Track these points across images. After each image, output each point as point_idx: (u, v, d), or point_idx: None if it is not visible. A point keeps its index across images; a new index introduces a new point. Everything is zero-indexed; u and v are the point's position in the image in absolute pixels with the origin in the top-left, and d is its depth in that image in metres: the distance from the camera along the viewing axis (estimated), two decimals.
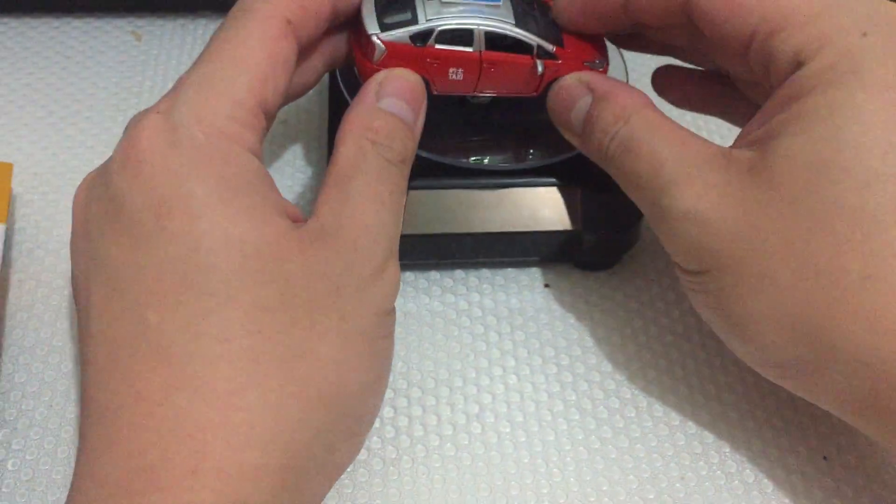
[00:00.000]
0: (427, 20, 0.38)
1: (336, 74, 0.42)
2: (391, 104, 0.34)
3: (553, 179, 0.41)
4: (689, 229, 0.32)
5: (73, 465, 0.35)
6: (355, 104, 0.33)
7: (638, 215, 0.41)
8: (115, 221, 0.29)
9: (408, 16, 0.39)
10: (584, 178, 0.41)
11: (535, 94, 0.40)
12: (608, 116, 0.35)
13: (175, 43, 0.53)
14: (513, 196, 0.41)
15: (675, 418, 0.38)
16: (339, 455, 0.31)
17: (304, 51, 0.35)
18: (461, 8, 0.38)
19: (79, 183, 0.33)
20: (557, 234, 0.41)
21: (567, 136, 0.38)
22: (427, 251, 0.42)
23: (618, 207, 0.41)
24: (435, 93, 0.40)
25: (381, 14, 0.39)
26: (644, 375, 0.40)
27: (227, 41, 0.32)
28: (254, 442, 0.27)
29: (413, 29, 0.38)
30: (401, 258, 0.41)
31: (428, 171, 0.40)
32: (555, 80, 0.40)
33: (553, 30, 0.40)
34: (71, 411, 0.37)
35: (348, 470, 0.36)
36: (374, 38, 0.38)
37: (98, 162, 0.32)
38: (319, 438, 0.28)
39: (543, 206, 0.41)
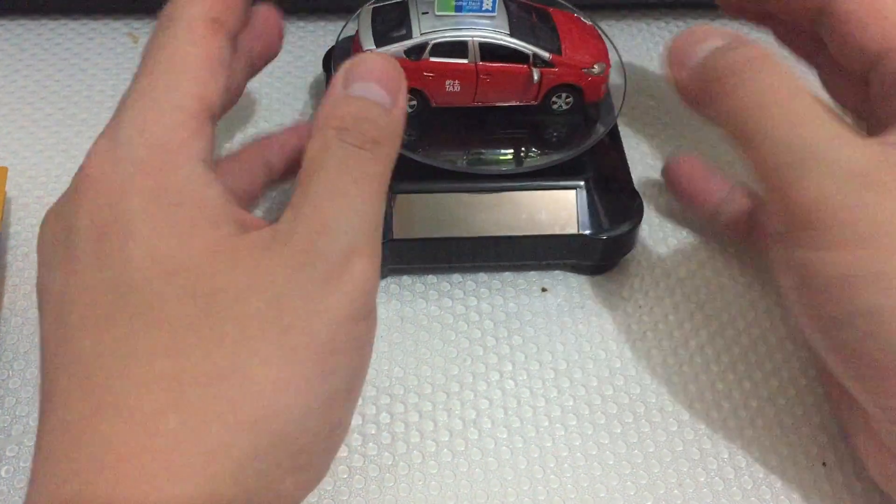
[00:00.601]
0: (421, 34, 0.39)
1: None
2: (359, 88, 0.31)
3: (550, 182, 0.41)
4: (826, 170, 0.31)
5: None
6: (324, 97, 0.32)
7: (636, 218, 0.41)
8: (64, 248, 0.28)
9: (402, 31, 0.39)
10: (581, 180, 0.41)
11: (534, 101, 0.41)
12: (746, 53, 0.34)
13: None
14: (510, 200, 0.41)
15: (673, 424, 0.38)
16: (285, 488, 0.27)
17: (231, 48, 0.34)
18: (455, 20, 0.39)
19: None
20: (555, 237, 0.41)
21: (673, 66, 0.37)
22: (423, 256, 0.42)
23: (616, 211, 0.41)
24: (434, 105, 0.40)
25: (377, 30, 0.40)
26: (641, 381, 0.39)
27: (159, 50, 0.31)
28: (173, 470, 0.25)
29: (408, 43, 0.39)
30: (397, 262, 0.41)
31: (423, 174, 0.40)
32: (554, 87, 0.40)
33: (551, 37, 0.40)
34: None
35: (343, 476, 0.36)
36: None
37: None
38: (251, 467, 0.25)
39: (541, 210, 0.41)
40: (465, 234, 0.41)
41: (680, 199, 0.44)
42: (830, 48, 0.37)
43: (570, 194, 0.41)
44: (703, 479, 0.36)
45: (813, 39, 0.38)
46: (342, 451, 0.36)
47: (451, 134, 0.42)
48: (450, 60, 0.39)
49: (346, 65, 0.31)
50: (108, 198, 0.28)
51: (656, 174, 0.46)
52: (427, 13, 0.39)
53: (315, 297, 0.27)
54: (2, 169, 0.42)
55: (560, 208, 0.41)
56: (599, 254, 0.42)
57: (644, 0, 0.56)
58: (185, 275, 0.27)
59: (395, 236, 0.40)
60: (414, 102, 0.40)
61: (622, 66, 0.43)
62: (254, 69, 0.38)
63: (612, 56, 0.42)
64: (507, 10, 0.40)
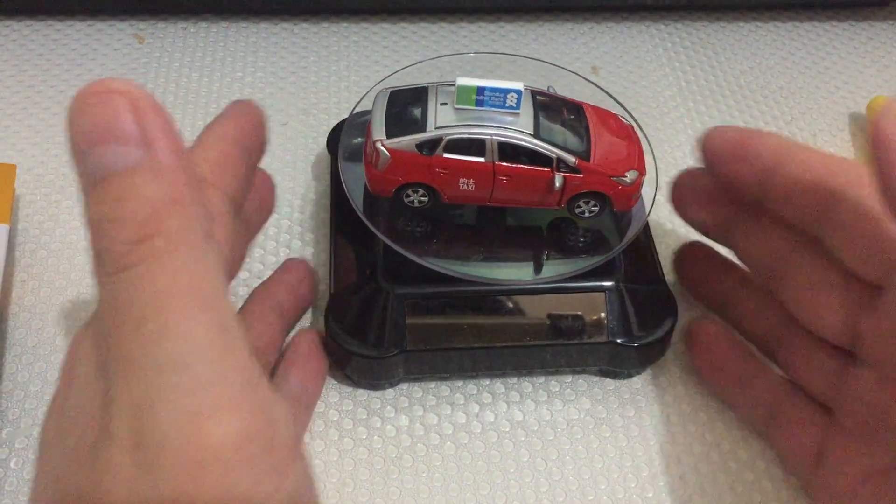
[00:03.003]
0: (436, 128, 0.35)
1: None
2: (94, 160, 0.24)
3: (577, 284, 0.37)
4: None
5: None
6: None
7: (671, 322, 0.38)
8: None
9: (417, 122, 0.36)
10: (611, 281, 0.38)
11: (557, 206, 0.37)
12: None
13: (177, 45, 0.54)
14: (531, 303, 0.38)
15: (675, 418, 0.38)
16: None
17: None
18: (475, 115, 0.35)
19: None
20: (581, 346, 0.38)
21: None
22: (436, 366, 0.39)
23: (648, 314, 0.38)
24: (446, 202, 0.37)
25: (390, 118, 0.36)
26: (641, 372, 0.40)
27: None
28: None
29: (420, 137, 0.35)
30: (410, 373, 0.38)
31: (435, 274, 0.36)
32: (579, 194, 0.36)
33: (581, 138, 0.36)
34: None
35: (349, 469, 0.36)
36: (379, 145, 0.35)
37: None
38: None
39: (566, 315, 0.38)
40: (481, 344, 0.37)
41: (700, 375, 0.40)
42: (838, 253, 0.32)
43: (599, 297, 0.37)
44: (704, 472, 0.37)
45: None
46: (348, 444, 0.37)
47: (466, 232, 0.39)
48: (465, 158, 0.35)
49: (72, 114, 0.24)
50: None
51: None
52: (446, 104, 0.36)
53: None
54: (10, 166, 0.43)
55: (588, 313, 0.37)
56: (631, 361, 0.39)
57: (643, 3, 0.57)
58: None
59: (408, 347, 0.37)
60: (426, 198, 0.37)
61: (653, 154, 0.39)
62: (253, 233, 0.35)
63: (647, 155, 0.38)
64: (533, 106, 0.36)
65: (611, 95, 0.43)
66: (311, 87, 0.52)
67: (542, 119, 0.36)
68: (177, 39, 0.54)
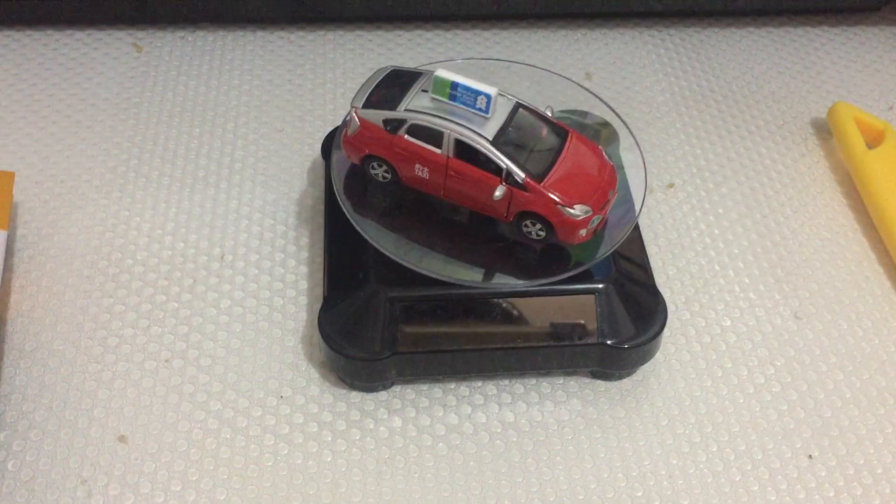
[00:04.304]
0: (405, 110, 0.37)
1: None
2: None
3: (566, 287, 0.37)
4: None
5: (72, 466, 0.36)
6: None
7: (661, 322, 0.38)
8: None
9: (393, 100, 0.37)
10: (600, 283, 0.38)
11: (504, 219, 0.37)
12: None
13: (175, 55, 0.54)
14: (522, 306, 0.38)
15: (664, 418, 0.39)
16: None
17: None
18: (444, 108, 0.36)
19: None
20: (572, 348, 0.38)
21: None
22: (428, 369, 0.39)
23: (638, 315, 0.38)
24: (403, 183, 0.38)
25: (375, 90, 0.38)
26: (631, 373, 0.40)
27: None
28: None
29: (387, 114, 0.37)
30: (402, 376, 0.38)
31: (427, 278, 0.37)
32: (523, 212, 0.36)
33: (545, 159, 0.36)
34: (70, 414, 0.38)
35: (342, 470, 0.37)
36: (353, 111, 0.37)
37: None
38: None
39: (557, 318, 0.38)
40: (473, 346, 0.38)
41: None
42: None
43: (589, 299, 0.38)
44: (692, 472, 0.37)
45: None
46: (341, 446, 0.37)
47: (459, 237, 0.39)
48: (423, 145, 0.36)
49: None
50: None
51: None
52: (427, 92, 0.37)
53: None
54: (9, 174, 0.43)
55: (578, 315, 0.38)
56: (621, 363, 0.39)
57: (636, 10, 0.58)
58: None
59: (400, 349, 0.37)
60: (388, 175, 0.38)
61: (642, 157, 0.40)
62: None
63: (632, 158, 0.39)
64: (508, 115, 0.36)
65: (602, 101, 0.43)
66: (306, 94, 0.53)
67: (509, 130, 0.36)
68: (174, 48, 0.55)
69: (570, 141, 0.37)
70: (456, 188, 0.37)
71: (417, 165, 0.37)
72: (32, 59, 0.53)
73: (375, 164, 0.38)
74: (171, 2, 0.54)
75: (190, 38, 0.56)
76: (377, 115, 0.37)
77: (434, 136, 0.36)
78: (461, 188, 0.37)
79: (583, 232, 0.37)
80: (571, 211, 0.36)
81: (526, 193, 0.36)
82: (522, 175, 0.36)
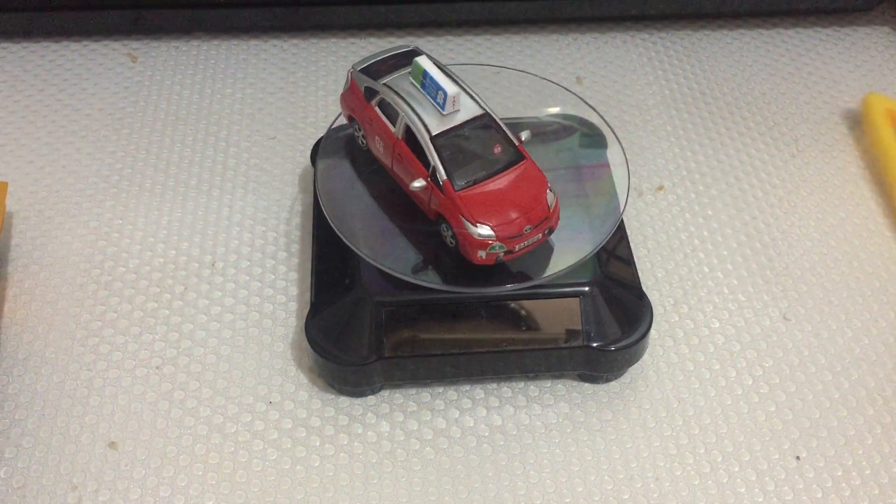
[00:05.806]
0: (382, 83, 0.38)
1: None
2: None
3: (551, 290, 0.38)
4: None
5: (62, 472, 0.36)
6: None
7: (647, 324, 0.38)
8: None
9: (385, 74, 0.39)
10: (586, 286, 0.38)
11: (431, 216, 0.38)
12: None
13: (169, 64, 0.55)
14: (507, 309, 0.38)
15: (651, 421, 0.39)
16: None
17: None
18: (413, 93, 0.38)
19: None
20: (558, 351, 0.38)
21: None
22: (416, 373, 0.39)
23: (624, 317, 0.38)
24: (366, 149, 0.40)
25: (382, 61, 0.40)
26: (619, 376, 0.40)
27: None
28: None
29: (367, 82, 0.39)
30: (389, 380, 0.39)
31: (408, 284, 0.37)
32: (440, 214, 0.37)
33: (478, 171, 0.36)
34: (61, 420, 0.38)
35: (329, 474, 0.37)
36: (350, 69, 0.40)
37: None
38: None
39: (542, 321, 0.38)
40: (459, 350, 0.38)
41: None
42: None
43: (574, 302, 0.38)
44: (679, 474, 0.37)
45: None
46: (329, 450, 0.38)
47: (442, 244, 0.38)
48: (385, 121, 0.38)
49: None
50: None
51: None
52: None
53: None
54: (3, 184, 0.44)
55: (564, 318, 0.38)
56: (608, 365, 0.39)
57: (627, 13, 0.58)
58: None
59: (386, 354, 0.37)
60: (364, 141, 0.40)
61: (625, 156, 0.40)
62: None
63: (617, 157, 0.39)
64: (468, 121, 0.37)
65: (590, 105, 0.44)
66: (299, 101, 0.53)
67: (459, 133, 0.37)
68: (169, 58, 0.55)
69: (517, 167, 0.37)
70: (398, 170, 0.39)
71: (377, 138, 0.39)
72: (29, 70, 0.54)
73: (357, 127, 0.41)
74: (166, 12, 0.55)
75: (184, 48, 0.56)
76: (362, 81, 0.39)
77: (392, 116, 0.38)
78: (400, 172, 0.39)
79: (482, 254, 0.36)
80: (472, 227, 0.36)
81: (441, 195, 0.36)
82: (444, 178, 0.36)
